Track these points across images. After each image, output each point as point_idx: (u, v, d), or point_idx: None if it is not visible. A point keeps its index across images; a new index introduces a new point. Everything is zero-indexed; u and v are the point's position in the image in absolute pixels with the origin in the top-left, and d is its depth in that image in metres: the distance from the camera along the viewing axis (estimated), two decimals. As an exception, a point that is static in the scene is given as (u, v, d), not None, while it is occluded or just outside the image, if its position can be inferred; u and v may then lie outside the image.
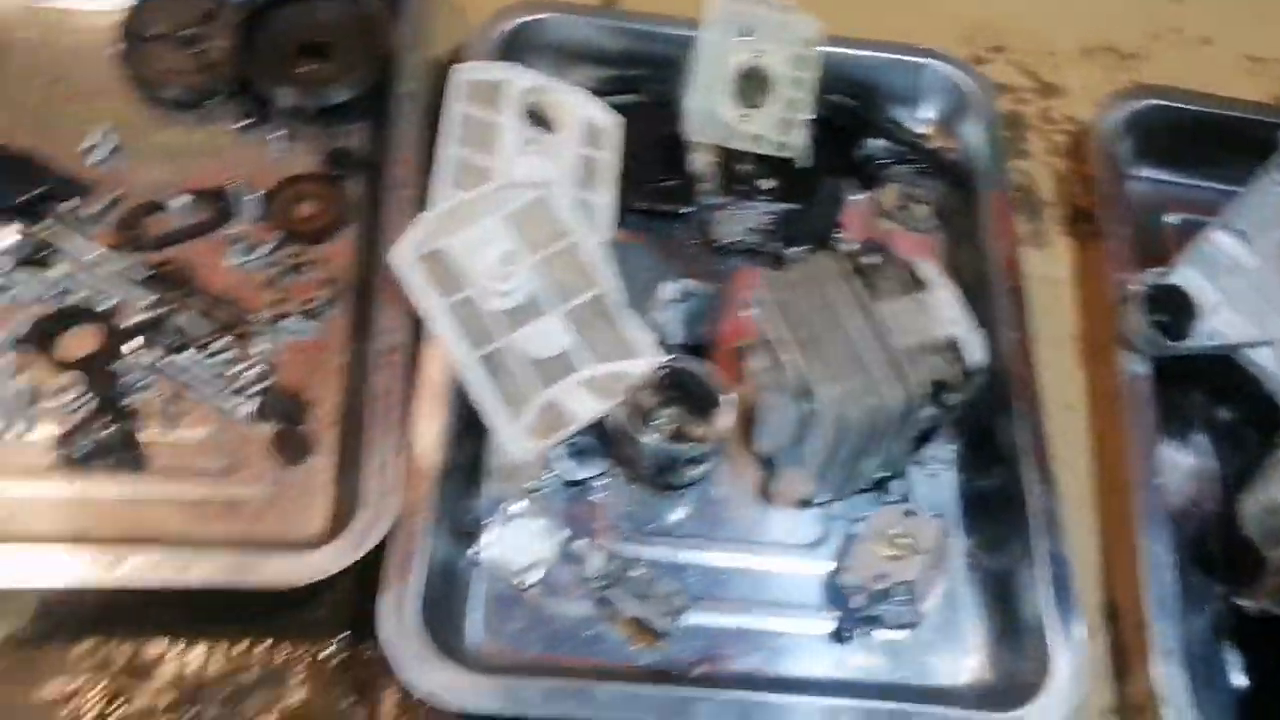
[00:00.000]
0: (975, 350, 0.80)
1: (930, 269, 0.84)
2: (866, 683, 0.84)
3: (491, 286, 0.87)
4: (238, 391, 0.94)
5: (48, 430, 0.91)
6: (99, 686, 0.84)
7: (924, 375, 0.79)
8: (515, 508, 0.88)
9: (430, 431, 0.86)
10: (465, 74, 0.98)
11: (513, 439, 0.88)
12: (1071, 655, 0.80)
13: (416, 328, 0.90)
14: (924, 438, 0.86)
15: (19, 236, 0.98)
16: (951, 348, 0.80)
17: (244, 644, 0.86)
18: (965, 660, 0.86)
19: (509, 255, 0.88)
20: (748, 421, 0.90)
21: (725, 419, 0.85)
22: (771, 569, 0.90)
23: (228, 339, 0.96)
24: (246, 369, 0.95)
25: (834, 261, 0.83)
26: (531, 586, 0.86)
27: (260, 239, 1.01)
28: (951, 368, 0.80)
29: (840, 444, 0.80)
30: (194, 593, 0.82)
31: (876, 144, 1.09)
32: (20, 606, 0.86)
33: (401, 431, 0.87)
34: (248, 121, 1.07)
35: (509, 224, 0.90)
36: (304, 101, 1.05)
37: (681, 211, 1.04)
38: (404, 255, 0.85)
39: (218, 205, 1.03)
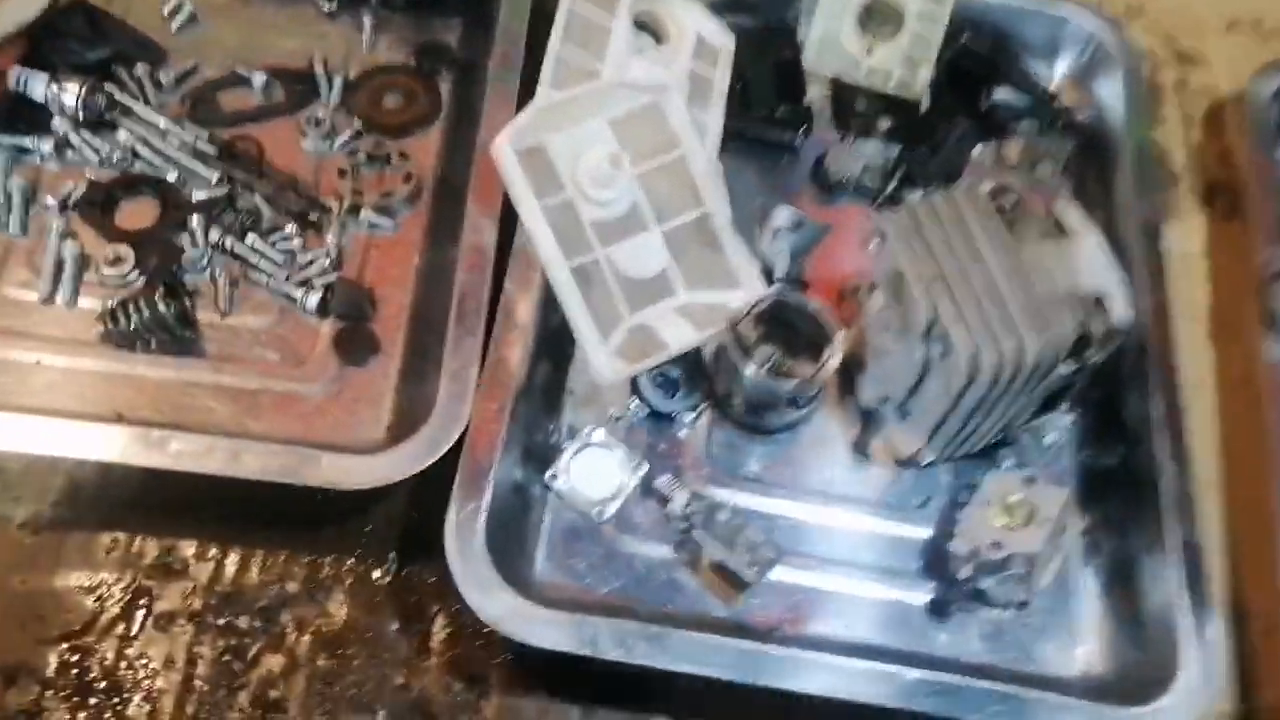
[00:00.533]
0: (1123, 305, 0.72)
1: (1075, 214, 0.76)
2: (960, 662, 0.75)
3: (592, 193, 0.79)
4: (303, 282, 0.86)
5: (97, 301, 0.84)
6: (124, 582, 0.78)
7: (1068, 326, 0.70)
8: (594, 435, 0.80)
9: (513, 342, 0.77)
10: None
11: (600, 359, 0.80)
12: (1203, 655, 0.72)
13: (506, 231, 0.82)
14: (1052, 400, 0.78)
15: (87, 94, 0.89)
16: (1097, 301, 0.72)
17: (284, 554, 0.80)
18: (1076, 648, 0.78)
19: (614, 160, 0.78)
20: (846, 370, 0.81)
21: (834, 359, 0.76)
22: (863, 528, 0.82)
23: (297, 226, 0.87)
24: (315, 259, 0.86)
25: (974, 199, 0.74)
26: (606, 520, 0.77)
27: (339, 127, 0.92)
28: (1095, 322, 0.71)
29: (965, 394, 0.71)
30: (237, 493, 0.75)
31: (1002, 93, 0.99)
32: (47, 487, 0.80)
33: (481, 340, 0.79)
34: (336, 5, 0.98)
35: (617, 128, 0.81)
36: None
37: (790, 143, 0.95)
38: (506, 146, 0.77)
39: (298, 87, 0.96)
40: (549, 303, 0.80)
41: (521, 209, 0.78)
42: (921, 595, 0.79)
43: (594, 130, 0.82)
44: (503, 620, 0.69)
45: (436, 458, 0.73)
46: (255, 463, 0.72)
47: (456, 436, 0.74)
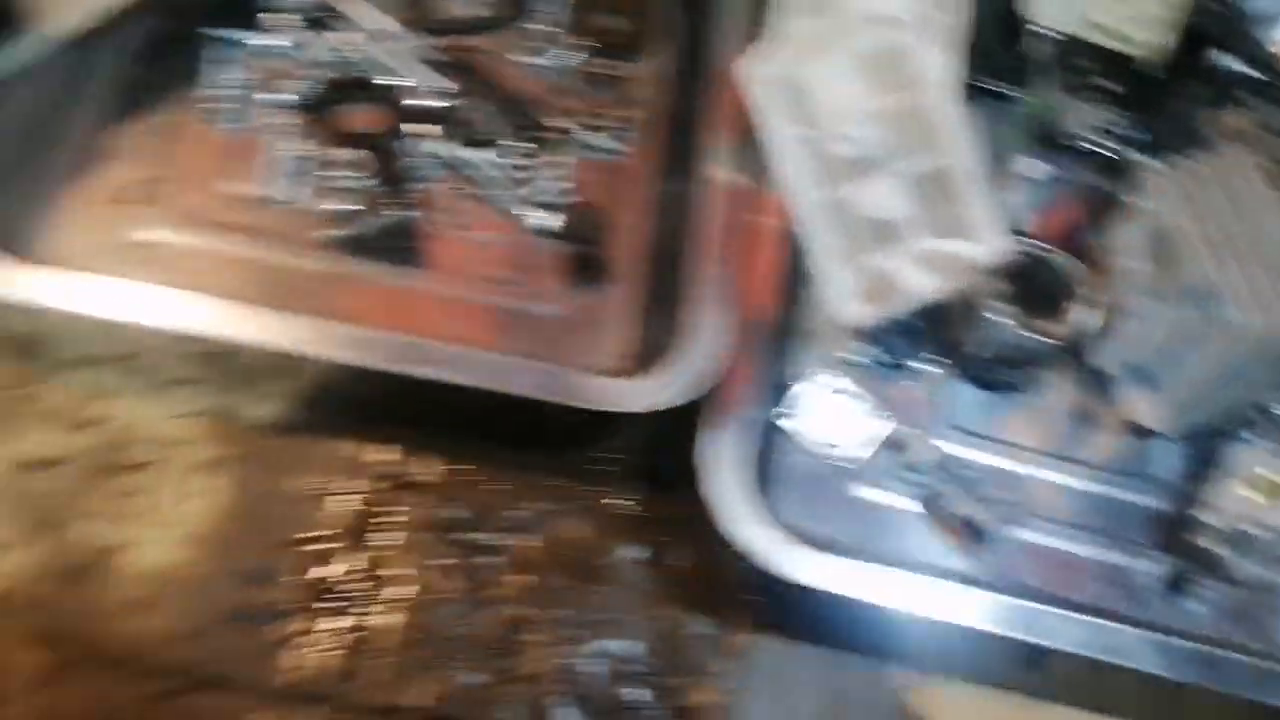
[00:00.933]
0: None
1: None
2: (1196, 634, 0.73)
3: (837, 128, 0.76)
4: (531, 201, 0.83)
5: (326, 204, 0.82)
6: (364, 491, 0.77)
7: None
8: (830, 378, 0.78)
9: (763, 275, 0.76)
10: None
11: (842, 299, 0.78)
12: None
13: (749, 162, 0.79)
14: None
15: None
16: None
17: (526, 475, 0.79)
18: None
19: (860, 96, 0.76)
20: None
21: (1087, 317, 0.74)
22: (1095, 492, 0.81)
23: (523, 143, 0.84)
24: (543, 179, 0.84)
25: (1249, 160, 0.71)
26: (840, 464, 0.76)
27: (564, 45, 0.89)
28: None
29: (1227, 364, 0.69)
30: (476, 408, 0.75)
31: (1230, 59, 0.96)
32: (292, 390, 0.78)
33: (723, 272, 0.76)
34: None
35: (863, 64, 0.78)
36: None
37: (1015, 96, 0.92)
38: (757, 73, 0.74)
39: (514, 0, 0.92)
40: (786, 238, 0.78)
41: (770, 138, 0.76)
42: (1151, 565, 0.78)
43: (842, 64, 0.79)
44: (760, 553, 0.67)
45: (702, 389, 0.70)
46: (517, 380, 0.69)
47: (715, 369, 0.71)
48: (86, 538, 0.70)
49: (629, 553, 0.74)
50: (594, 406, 0.71)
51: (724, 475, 0.70)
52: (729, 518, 0.69)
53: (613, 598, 0.72)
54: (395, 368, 0.70)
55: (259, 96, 0.85)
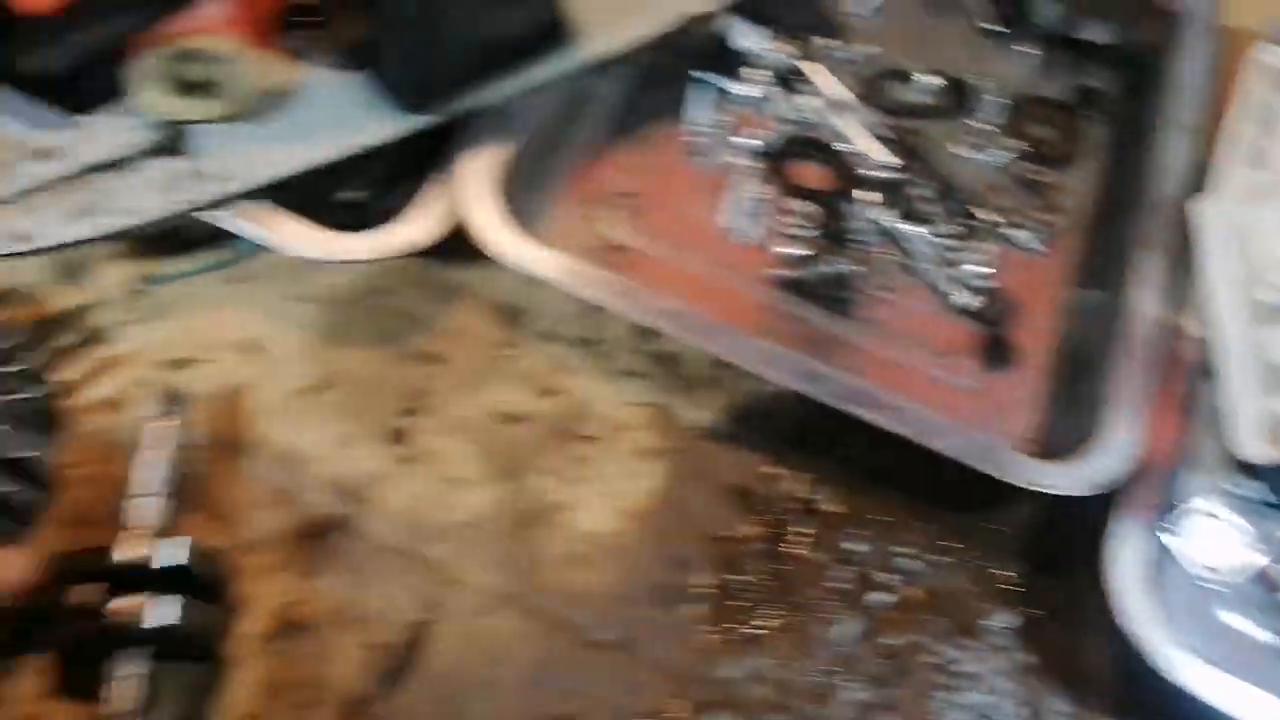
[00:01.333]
0: None
1: None
2: None
3: (1271, 276, 0.81)
4: (955, 280, 0.90)
5: (776, 245, 0.92)
6: (771, 507, 0.85)
7: None
8: (1216, 506, 0.82)
9: (1172, 393, 0.82)
10: (1269, 56, 0.92)
11: (1246, 435, 0.82)
12: None
13: (1173, 286, 0.86)
14: None
15: (788, 54, 0.98)
16: None
17: (916, 525, 0.85)
18: None
19: None
20: None
21: None
22: None
23: (955, 226, 0.92)
24: (968, 262, 0.91)
25: None
26: (1211, 587, 0.80)
27: (995, 144, 0.97)
28: None
29: None
30: (888, 457, 0.83)
31: None
32: (721, 402, 0.88)
33: (1145, 382, 0.83)
34: (1000, 27, 1.03)
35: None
36: (1061, 27, 1.04)
37: None
38: (1203, 213, 0.81)
39: (958, 96, 1.00)
40: (1199, 364, 0.84)
41: (1204, 272, 0.83)
42: None
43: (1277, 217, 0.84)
44: (1150, 651, 0.72)
45: (1114, 484, 0.76)
46: (942, 438, 0.77)
47: (1125, 469, 0.78)
48: (540, 490, 0.80)
49: (1004, 619, 0.79)
50: (1010, 479, 0.77)
51: (1126, 570, 0.75)
52: (1125, 610, 0.74)
53: (983, 658, 0.78)
54: (838, 404, 0.78)
55: (730, 139, 0.95)
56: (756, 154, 0.95)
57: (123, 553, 0.68)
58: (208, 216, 0.75)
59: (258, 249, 0.85)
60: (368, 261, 0.79)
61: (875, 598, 0.80)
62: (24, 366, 0.74)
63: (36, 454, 0.72)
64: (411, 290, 0.85)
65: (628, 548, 0.78)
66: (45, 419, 0.75)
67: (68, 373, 0.79)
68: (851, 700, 0.76)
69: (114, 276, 0.83)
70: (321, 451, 0.78)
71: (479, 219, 0.78)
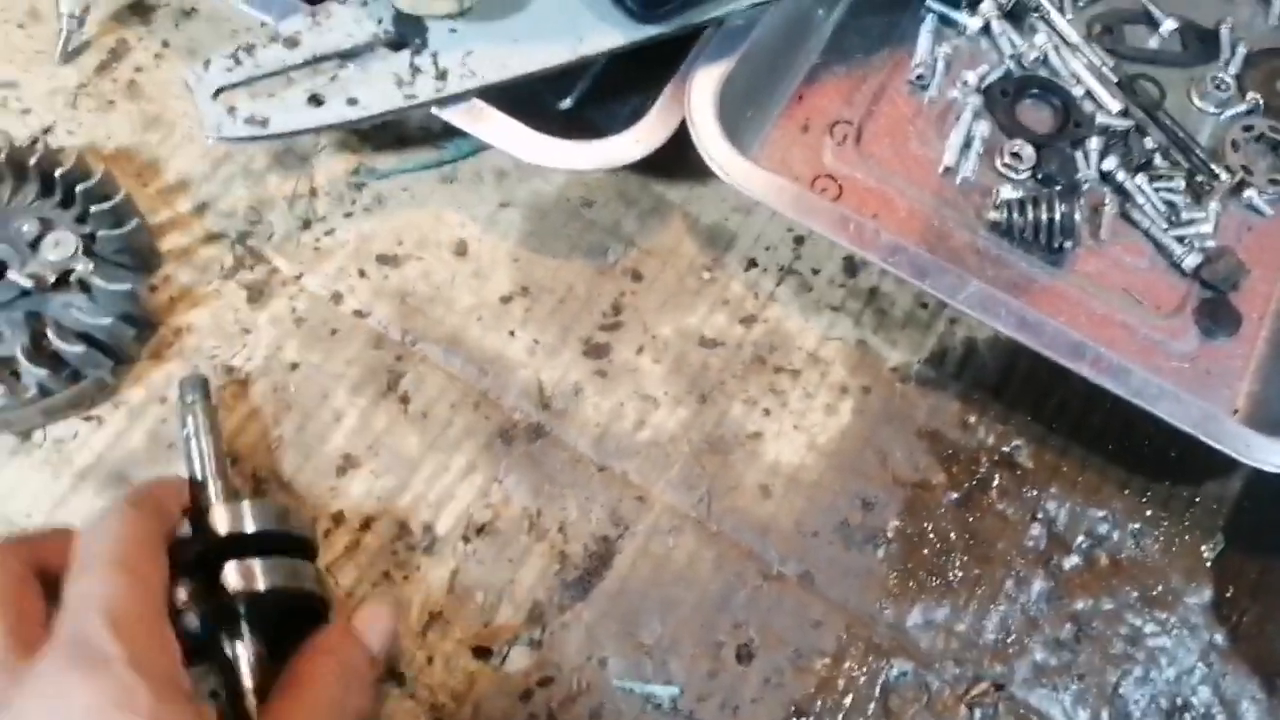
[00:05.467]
0: None
1: None
2: None
3: None
4: (1177, 237, 0.85)
5: (993, 186, 0.90)
6: (963, 456, 0.83)
7: None
8: None
9: None
10: None
11: None
12: None
13: None
14: None
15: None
16: None
17: (1114, 489, 0.83)
18: None
19: None
20: None
21: None
22: None
23: (1184, 181, 0.87)
24: (1195, 220, 0.86)
25: None
26: None
27: (1234, 98, 0.92)
28: None
29: None
30: (1094, 415, 0.82)
31: None
32: (920, 344, 0.86)
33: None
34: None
35: None
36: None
37: None
38: None
39: (1199, 44, 0.94)
40: None
41: None
42: None
43: None
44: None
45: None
46: (1163, 401, 0.74)
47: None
48: (732, 417, 0.79)
49: (1199, 595, 0.76)
50: (1229, 451, 0.73)
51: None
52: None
53: (1173, 633, 0.75)
54: (1052, 355, 0.75)
55: (954, 72, 0.91)
56: (980, 90, 0.91)
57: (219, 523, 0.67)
58: (435, 113, 0.75)
59: (470, 152, 0.85)
60: (587, 171, 0.79)
61: (1066, 560, 0.77)
62: (115, 202, 0.75)
63: (130, 288, 0.72)
64: (617, 205, 0.84)
65: (815, 483, 0.77)
66: (140, 255, 0.76)
67: (282, 258, 0.80)
68: (1033, 662, 0.74)
69: (332, 168, 0.83)
70: (521, 358, 0.79)
71: (703, 134, 0.77)
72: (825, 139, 0.89)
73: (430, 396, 0.78)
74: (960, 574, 0.77)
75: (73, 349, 0.72)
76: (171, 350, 0.78)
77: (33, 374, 0.71)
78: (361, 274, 0.81)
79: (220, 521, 0.64)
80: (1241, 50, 0.95)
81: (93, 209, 0.76)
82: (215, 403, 0.72)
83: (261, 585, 0.62)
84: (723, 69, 0.82)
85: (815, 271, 0.84)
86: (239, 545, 0.64)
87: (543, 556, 0.75)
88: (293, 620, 0.64)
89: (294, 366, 0.78)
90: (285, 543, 0.66)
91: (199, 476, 0.67)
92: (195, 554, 0.63)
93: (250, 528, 0.64)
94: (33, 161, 0.77)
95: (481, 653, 0.72)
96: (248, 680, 0.61)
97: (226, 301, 0.80)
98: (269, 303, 0.80)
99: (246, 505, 0.65)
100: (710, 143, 0.78)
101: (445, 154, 0.85)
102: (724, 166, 0.78)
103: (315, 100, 0.75)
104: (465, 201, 0.84)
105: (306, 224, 0.83)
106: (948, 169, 0.89)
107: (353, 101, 0.75)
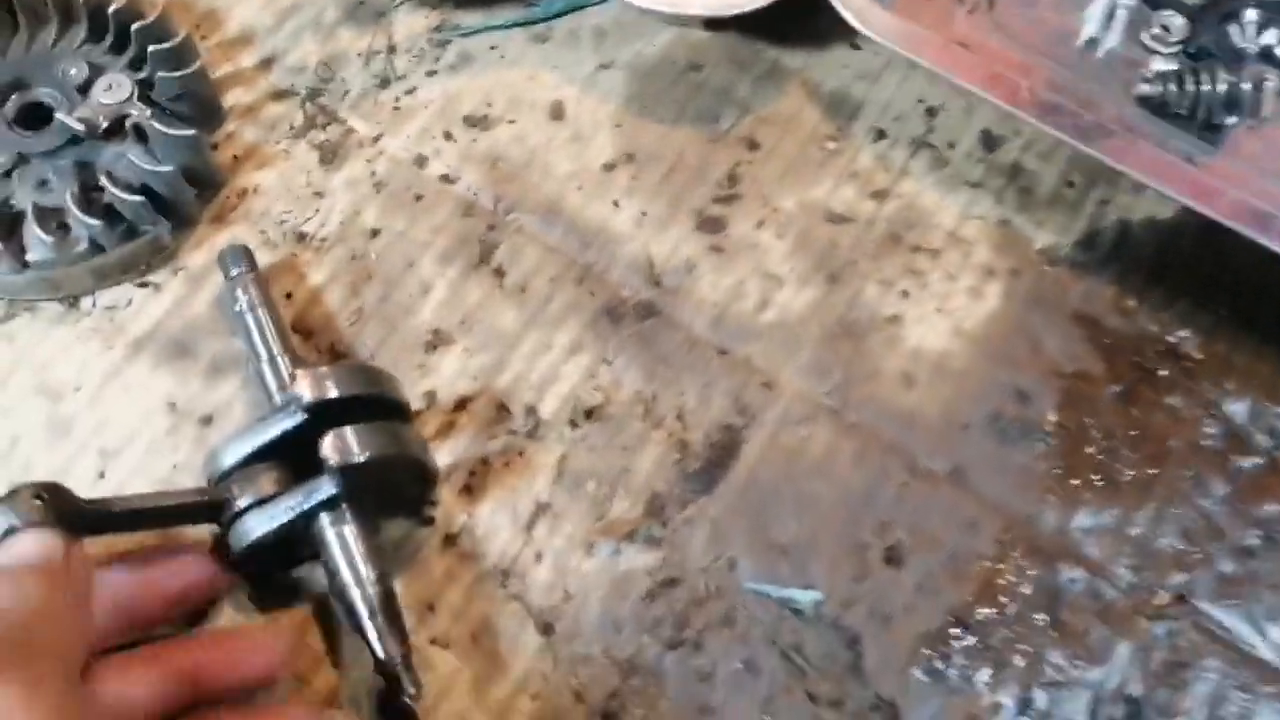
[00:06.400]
0: None
1: None
2: None
3: None
4: (1348, 117, 0.75)
5: (1143, 59, 0.77)
6: (1123, 343, 0.73)
7: None
8: None
9: None
10: None
11: None
12: None
13: None
14: None
15: None
16: None
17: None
18: None
19: None
20: None
21: None
22: None
23: (1352, 57, 0.77)
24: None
25: None
26: None
27: None
28: None
29: None
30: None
31: None
32: (1068, 226, 0.77)
33: None
34: None
35: None
36: None
37: None
38: None
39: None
40: None
41: None
42: None
43: None
44: None
45: None
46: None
47: None
48: (866, 298, 0.69)
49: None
50: None
51: None
52: None
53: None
54: (1233, 223, 0.65)
55: (1095, -64, 0.81)
56: None
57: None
58: None
59: (563, 10, 0.76)
60: (705, 19, 0.69)
61: (1245, 460, 0.67)
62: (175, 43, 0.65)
63: (193, 132, 0.62)
64: (729, 68, 0.74)
65: (963, 371, 0.67)
66: (202, 104, 0.66)
67: (358, 118, 0.70)
68: (1217, 572, 0.64)
69: (411, 24, 0.74)
70: (627, 230, 0.69)
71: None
72: (953, 4, 0.79)
73: (528, 269, 0.68)
74: (1130, 474, 0.67)
75: (129, 199, 0.61)
76: (236, 213, 0.68)
77: (83, 225, 0.61)
78: (448, 136, 0.72)
79: (305, 389, 0.54)
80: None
81: (150, 49, 0.65)
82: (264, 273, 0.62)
83: (361, 456, 0.52)
84: (852, -88, 0.72)
85: (951, 145, 0.75)
86: (326, 416, 0.53)
87: (660, 445, 0.64)
88: (393, 495, 0.54)
89: (374, 233, 0.68)
90: (378, 408, 0.55)
91: (261, 352, 0.57)
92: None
93: (335, 393, 0.54)
94: (82, 0, 0.67)
95: (596, 549, 0.61)
96: (365, 569, 0.51)
97: (297, 163, 0.69)
98: (344, 165, 0.70)
99: (328, 370, 0.55)
100: (848, -9, 0.68)
101: (537, 11, 0.75)
102: (862, 16, 0.68)
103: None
104: (561, 62, 0.74)
105: (384, 82, 0.73)
106: (1090, 40, 0.78)
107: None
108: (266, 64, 0.73)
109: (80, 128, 0.64)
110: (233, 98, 0.72)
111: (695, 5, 0.69)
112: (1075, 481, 0.68)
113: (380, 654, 0.52)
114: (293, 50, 0.74)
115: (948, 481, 0.66)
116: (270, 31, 0.74)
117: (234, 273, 0.63)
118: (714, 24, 0.76)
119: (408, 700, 0.52)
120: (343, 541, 0.53)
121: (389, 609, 0.54)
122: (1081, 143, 0.68)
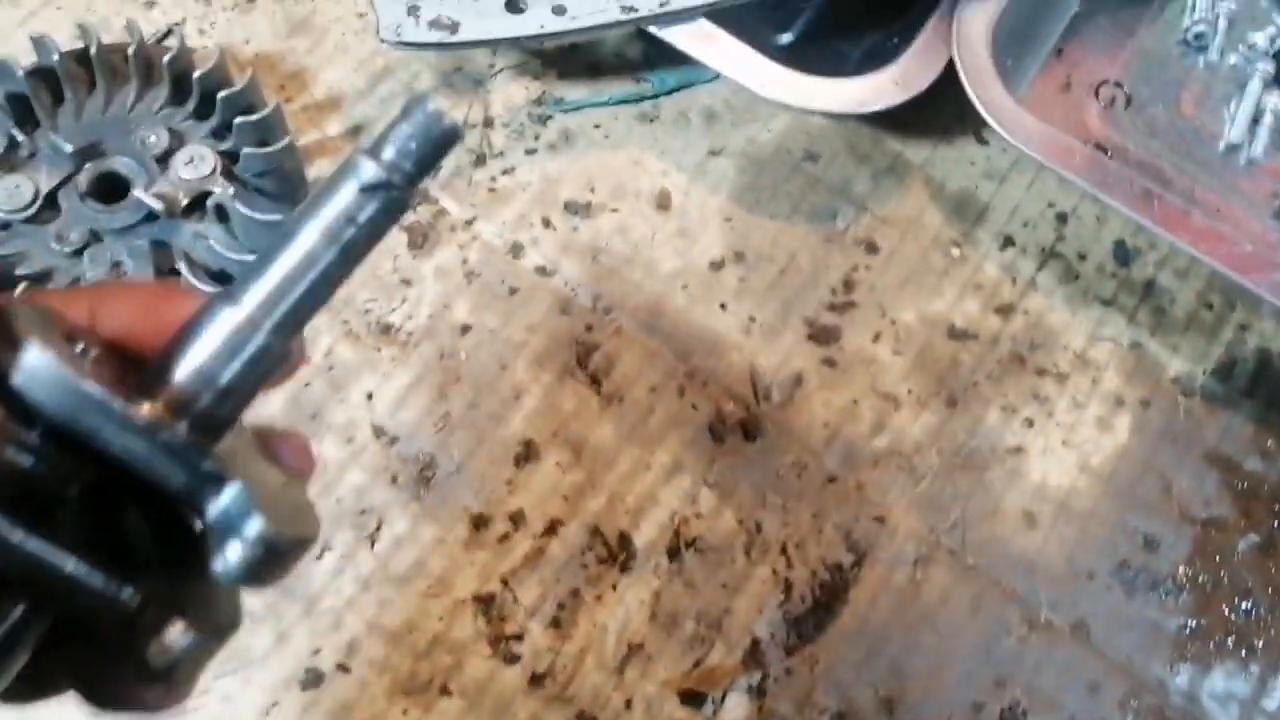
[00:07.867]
0: None
1: None
2: None
3: None
4: None
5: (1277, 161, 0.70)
6: (1271, 492, 0.68)
7: None
8: None
9: None
10: None
11: None
12: None
13: None
14: None
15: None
16: None
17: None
18: None
19: None
20: None
21: None
22: None
23: None
24: None
25: None
26: None
27: None
28: None
29: None
30: None
31: None
32: (1210, 351, 0.72)
33: None
34: None
35: None
36: None
37: None
38: None
39: None
40: None
41: None
42: None
43: None
44: None
45: None
46: None
47: None
48: (987, 426, 0.64)
49: None
50: None
51: None
52: None
53: None
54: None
55: (1238, 34, 0.75)
56: (1273, 55, 0.75)
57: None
58: (656, 32, 0.60)
59: (675, 88, 0.70)
60: (832, 114, 0.63)
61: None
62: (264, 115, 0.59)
63: (279, 219, 0.57)
64: (847, 159, 0.69)
65: (1089, 512, 0.62)
66: (288, 181, 0.63)
67: (451, 198, 0.64)
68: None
69: (510, 95, 0.68)
70: (734, 337, 0.63)
71: (974, 76, 0.62)
72: (1090, 100, 0.73)
73: (626, 376, 0.63)
74: (1268, 635, 0.61)
75: (207, 289, 0.56)
76: (318, 300, 0.62)
77: (158, 316, 0.55)
78: (546, 223, 0.66)
79: None
80: None
81: (236, 121, 0.60)
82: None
83: None
84: (993, 6, 0.66)
85: (1082, 257, 0.69)
86: None
87: (764, 583, 0.59)
88: None
89: (465, 330, 0.63)
90: None
91: None
92: None
93: None
94: (165, 60, 0.61)
95: (691, 698, 0.57)
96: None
97: (384, 245, 0.63)
98: (435, 251, 0.65)
99: None
100: (983, 87, 0.63)
101: (647, 87, 0.69)
102: (999, 117, 0.63)
103: (514, 6, 0.60)
104: (669, 146, 0.69)
105: (480, 159, 0.67)
106: (1231, 146, 0.72)
107: (559, 10, 0.60)
108: (354, 132, 0.68)
109: (159, 205, 0.59)
110: (317, 169, 0.67)
111: (821, 101, 0.63)
112: (1208, 643, 0.62)
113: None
114: (382, 118, 0.69)
115: (1070, 636, 0.61)
116: (360, 96, 0.69)
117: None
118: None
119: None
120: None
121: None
122: (1239, 275, 0.62)
